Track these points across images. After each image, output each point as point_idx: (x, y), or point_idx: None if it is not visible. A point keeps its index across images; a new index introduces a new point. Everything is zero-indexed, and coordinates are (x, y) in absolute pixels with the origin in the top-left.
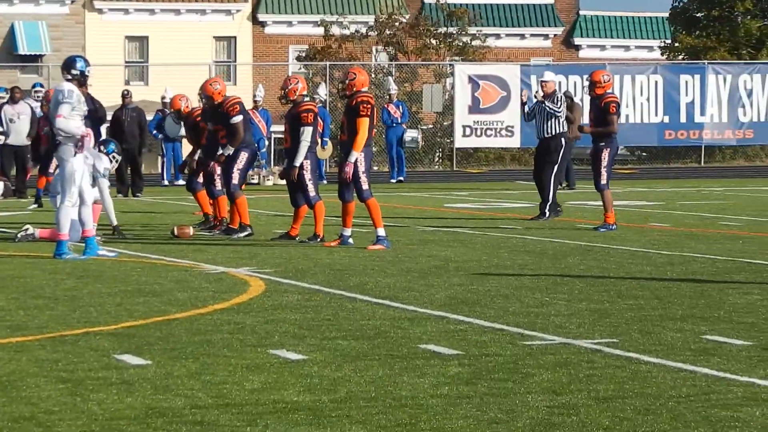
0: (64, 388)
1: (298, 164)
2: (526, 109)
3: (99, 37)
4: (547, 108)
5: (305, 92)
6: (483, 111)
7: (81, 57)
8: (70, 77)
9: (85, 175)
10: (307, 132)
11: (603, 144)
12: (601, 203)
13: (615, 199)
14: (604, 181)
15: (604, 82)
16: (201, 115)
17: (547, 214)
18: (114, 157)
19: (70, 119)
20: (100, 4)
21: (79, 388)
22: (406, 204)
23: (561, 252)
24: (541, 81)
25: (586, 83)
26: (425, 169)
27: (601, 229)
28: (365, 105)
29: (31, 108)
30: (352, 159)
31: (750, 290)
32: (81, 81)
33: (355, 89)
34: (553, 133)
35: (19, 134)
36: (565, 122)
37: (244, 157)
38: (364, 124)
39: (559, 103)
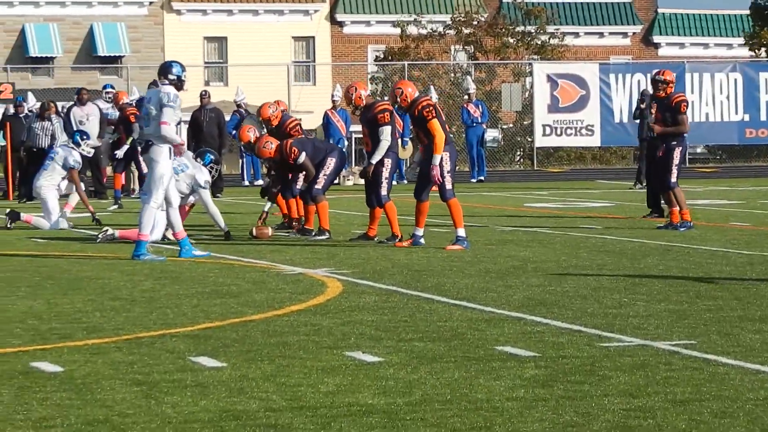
0: (138, 391)
1: (374, 161)
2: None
3: (177, 38)
4: None
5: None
6: (562, 110)
7: (177, 62)
8: (167, 82)
9: (172, 178)
10: (386, 131)
11: (675, 143)
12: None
13: (696, 198)
14: (674, 179)
15: (670, 82)
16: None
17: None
18: (213, 167)
19: (172, 124)
20: (178, 5)
21: (154, 390)
22: (486, 204)
23: (640, 252)
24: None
25: (658, 78)
26: (505, 168)
27: (681, 228)
28: (427, 109)
29: (100, 109)
30: (436, 161)
31: None
32: (178, 86)
33: (410, 99)
34: None
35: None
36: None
37: (331, 162)
38: (435, 125)
39: None
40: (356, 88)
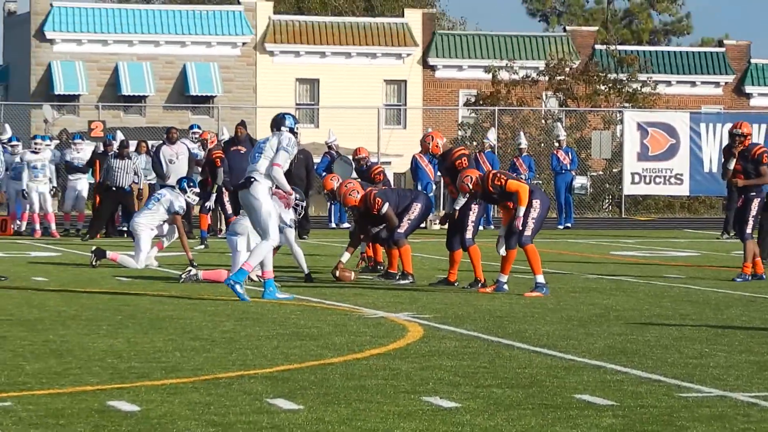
0: None
1: (458, 207)
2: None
3: (270, 79)
4: None
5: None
6: (652, 158)
7: (289, 114)
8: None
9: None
10: None
11: (754, 194)
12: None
13: None
14: (749, 230)
15: (749, 133)
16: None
17: None
18: (298, 205)
19: (284, 168)
20: (271, 47)
21: (229, 431)
22: (572, 251)
23: (724, 302)
24: None
25: (735, 133)
26: (593, 215)
27: (738, 279)
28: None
29: (188, 148)
30: (521, 213)
31: None
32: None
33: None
34: None
35: (178, 174)
36: None
37: (416, 208)
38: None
39: None
40: (432, 137)
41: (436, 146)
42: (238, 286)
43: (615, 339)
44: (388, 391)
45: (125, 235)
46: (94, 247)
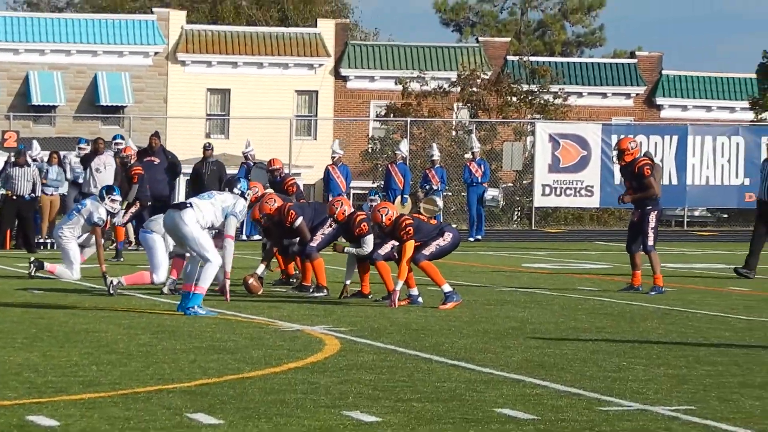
0: None
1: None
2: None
3: (181, 89)
4: None
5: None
6: (563, 170)
7: (245, 179)
8: (238, 192)
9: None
10: (368, 240)
11: (649, 207)
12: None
13: (694, 261)
14: (651, 243)
15: (632, 149)
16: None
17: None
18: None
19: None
20: (183, 56)
21: None
22: (484, 263)
23: (639, 315)
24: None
25: (614, 153)
26: (503, 227)
27: (652, 293)
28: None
29: (114, 158)
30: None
31: None
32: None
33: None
34: None
35: (104, 184)
36: None
37: (332, 223)
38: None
39: None
40: (342, 203)
41: (343, 213)
42: (198, 309)
43: (532, 352)
44: (308, 405)
45: (41, 248)
46: (33, 258)
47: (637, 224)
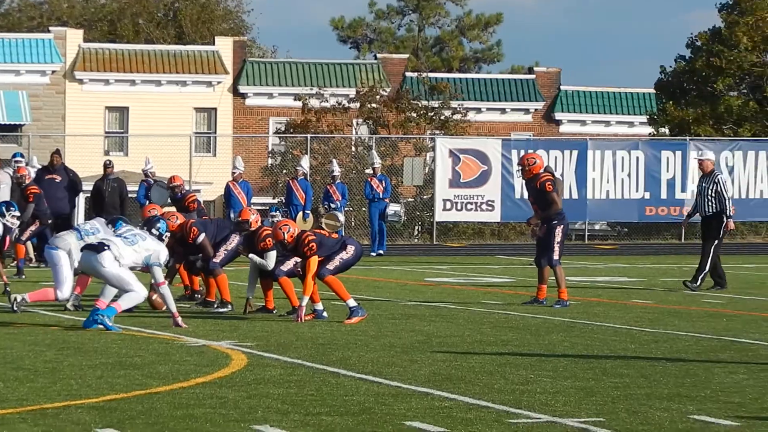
0: None
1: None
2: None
3: (79, 108)
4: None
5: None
6: (463, 185)
7: (163, 219)
8: (156, 233)
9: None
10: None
11: (555, 222)
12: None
13: (596, 275)
14: (557, 257)
15: (531, 164)
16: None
17: (699, 282)
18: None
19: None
20: (81, 75)
21: None
22: (387, 278)
23: (544, 328)
24: (699, 160)
25: (517, 168)
26: (405, 242)
27: (557, 306)
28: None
29: (11, 177)
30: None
31: (736, 369)
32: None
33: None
34: (714, 211)
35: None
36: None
37: (234, 239)
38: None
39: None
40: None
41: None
42: (106, 319)
43: (439, 365)
44: (218, 420)
45: None
46: None
47: (544, 239)
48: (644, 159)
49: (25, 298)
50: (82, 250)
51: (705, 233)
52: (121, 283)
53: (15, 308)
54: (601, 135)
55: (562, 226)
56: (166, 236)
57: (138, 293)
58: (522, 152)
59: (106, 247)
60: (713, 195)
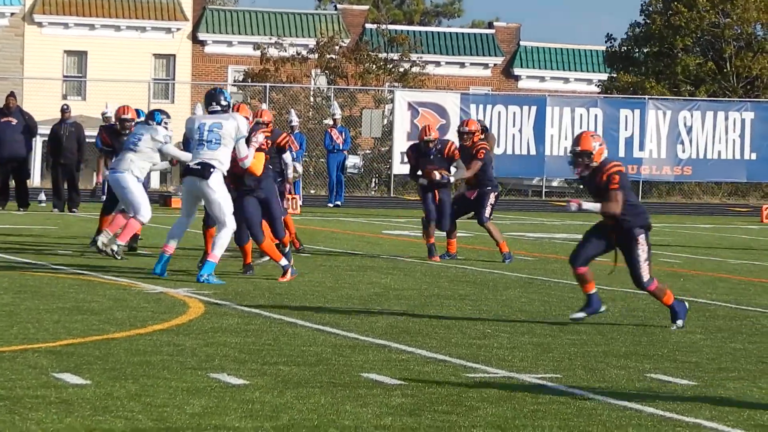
0: (2, 406)
1: None
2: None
3: (37, 51)
4: None
5: None
6: None
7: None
8: (219, 108)
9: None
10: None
11: (489, 188)
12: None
13: (555, 231)
14: (487, 215)
15: (476, 131)
16: None
17: None
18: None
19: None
20: (39, 18)
21: (18, 406)
22: (345, 229)
23: (502, 284)
24: None
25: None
26: (362, 194)
27: (507, 261)
28: None
29: None
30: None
31: (692, 329)
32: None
33: None
34: None
35: None
36: None
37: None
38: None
39: None
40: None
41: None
42: (210, 277)
43: (397, 318)
44: (175, 368)
45: None
46: None
47: (473, 201)
48: (603, 117)
49: (119, 245)
50: (183, 175)
51: None
52: (223, 210)
53: (117, 256)
54: (559, 91)
55: (495, 194)
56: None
57: (228, 228)
58: (480, 107)
59: (212, 168)
60: None
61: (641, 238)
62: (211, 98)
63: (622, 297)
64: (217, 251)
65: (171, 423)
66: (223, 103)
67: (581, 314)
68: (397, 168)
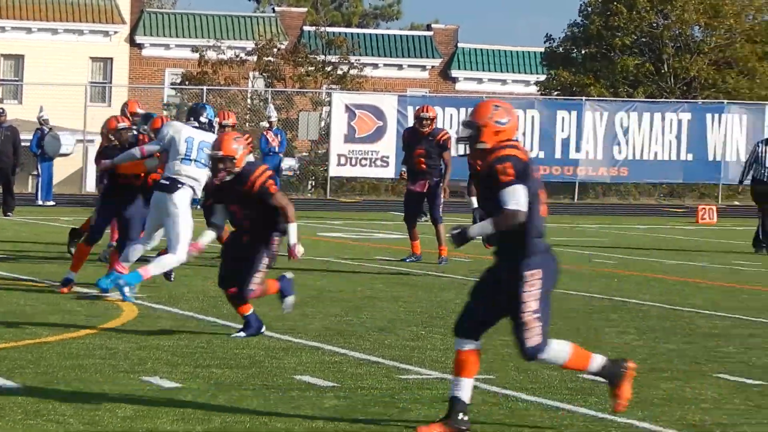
0: None
1: None
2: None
3: None
4: None
5: None
6: (358, 140)
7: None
8: (197, 125)
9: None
10: None
11: (438, 179)
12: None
13: None
14: (440, 214)
15: (435, 117)
16: None
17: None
18: None
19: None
20: None
21: None
22: None
23: (437, 286)
24: None
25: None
26: (298, 196)
27: (443, 263)
28: None
29: None
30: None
31: (626, 329)
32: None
33: None
34: None
35: None
36: None
37: None
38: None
39: None
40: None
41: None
42: (125, 288)
43: (331, 320)
44: (107, 371)
45: None
46: None
47: (426, 195)
48: (539, 118)
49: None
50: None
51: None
52: (179, 231)
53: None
54: (497, 93)
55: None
56: (215, 121)
57: (177, 257)
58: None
59: (179, 185)
60: None
61: None
62: (197, 113)
63: (556, 297)
64: (152, 270)
65: (103, 427)
66: (202, 120)
67: None
68: (333, 170)
